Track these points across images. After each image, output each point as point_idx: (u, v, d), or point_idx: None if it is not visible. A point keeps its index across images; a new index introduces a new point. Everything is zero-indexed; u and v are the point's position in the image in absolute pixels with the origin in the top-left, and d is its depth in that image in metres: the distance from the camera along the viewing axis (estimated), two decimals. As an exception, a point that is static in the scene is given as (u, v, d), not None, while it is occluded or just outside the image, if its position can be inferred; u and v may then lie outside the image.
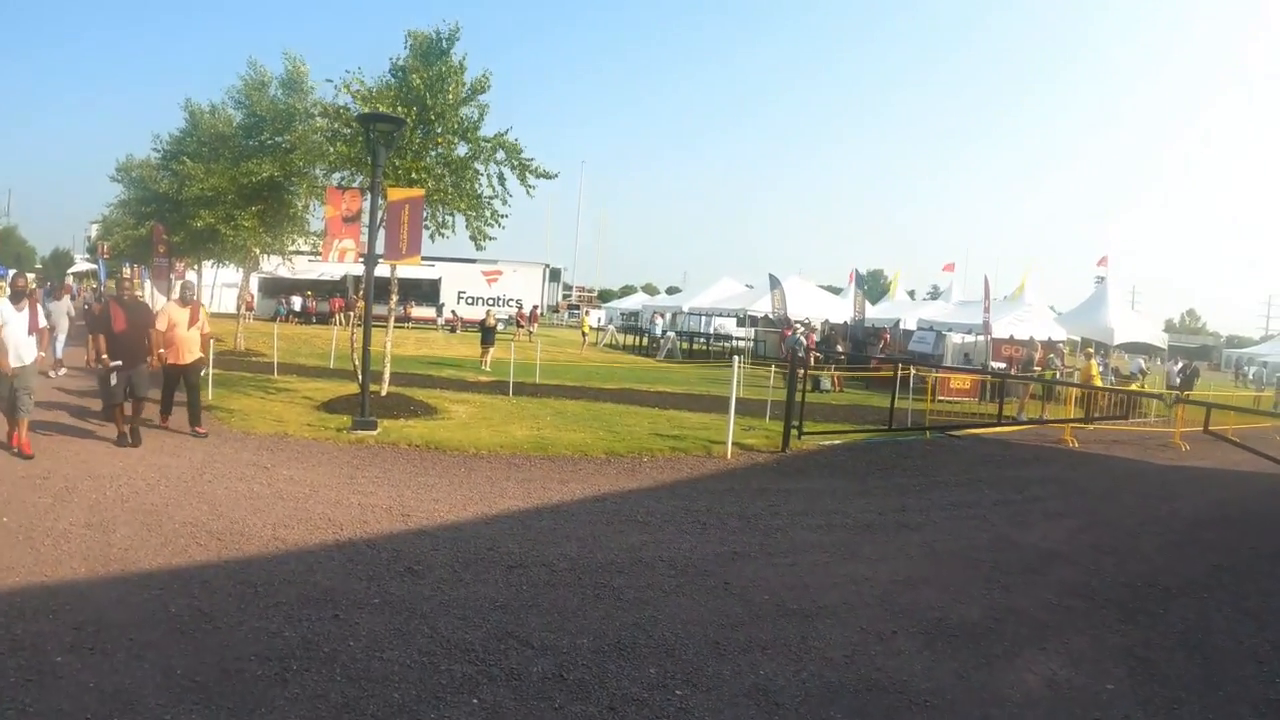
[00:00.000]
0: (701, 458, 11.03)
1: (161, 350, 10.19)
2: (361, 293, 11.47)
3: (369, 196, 11.95)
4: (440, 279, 43.50)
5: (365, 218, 12.56)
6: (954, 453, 13.16)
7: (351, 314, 37.74)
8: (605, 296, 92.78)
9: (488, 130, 13.56)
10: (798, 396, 12.46)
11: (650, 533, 7.32)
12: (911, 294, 67.06)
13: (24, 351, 8.76)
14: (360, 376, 11.56)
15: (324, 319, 40.15)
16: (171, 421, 10.73)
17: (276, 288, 41.08)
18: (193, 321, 10.62)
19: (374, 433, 10.86)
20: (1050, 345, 25.78)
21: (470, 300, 45.19)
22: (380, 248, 12.10)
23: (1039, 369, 22.41)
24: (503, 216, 13.93)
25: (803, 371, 21.48)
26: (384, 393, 13.27)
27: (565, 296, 77.89)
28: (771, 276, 33.41)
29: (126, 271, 41.35)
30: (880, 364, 23.69)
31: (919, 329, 29.61)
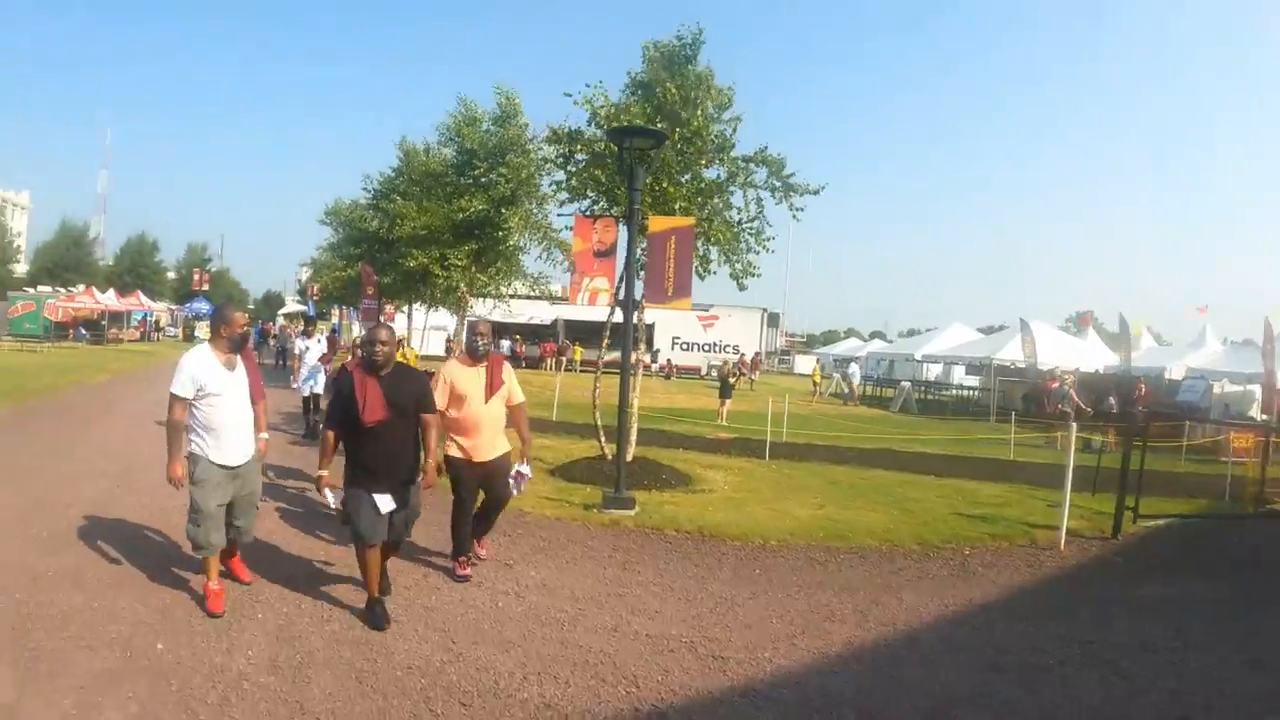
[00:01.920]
0: (1029, 549, 9.04)
1: (447, 453, 6.43)
2: (609, 340, 9.87)
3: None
4: (654, 324, 42.34)
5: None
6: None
7: (564, 359, 37.62)
8: (809, 342, 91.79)
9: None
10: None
11: (1062, 684, 5.19)
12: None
13: (246, 436, 5.64)
14: (613, 444, 9.94)
15: (533, 363, 39.77)
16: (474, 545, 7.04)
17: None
18: (492, 389, 6.52)
19: (631, 513, 8.89)
20: None
21: (685, 346, 43.85)
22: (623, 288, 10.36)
23: None
24: (767, 240, 12.15)
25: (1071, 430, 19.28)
26: (629, 457, 11.42)
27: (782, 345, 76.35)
28: (1021, 320, 31.13)
29: (335, 313, 42.67)
30: (1149, 419, 20.45)
31: (1188, 378, 26.25)
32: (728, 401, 21.40)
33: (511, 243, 19.77)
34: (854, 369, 36.77)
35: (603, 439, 11.77)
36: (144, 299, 55.81)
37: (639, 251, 10.67)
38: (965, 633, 6.10)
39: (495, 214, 18.50)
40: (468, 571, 6.54)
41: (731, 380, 22.57)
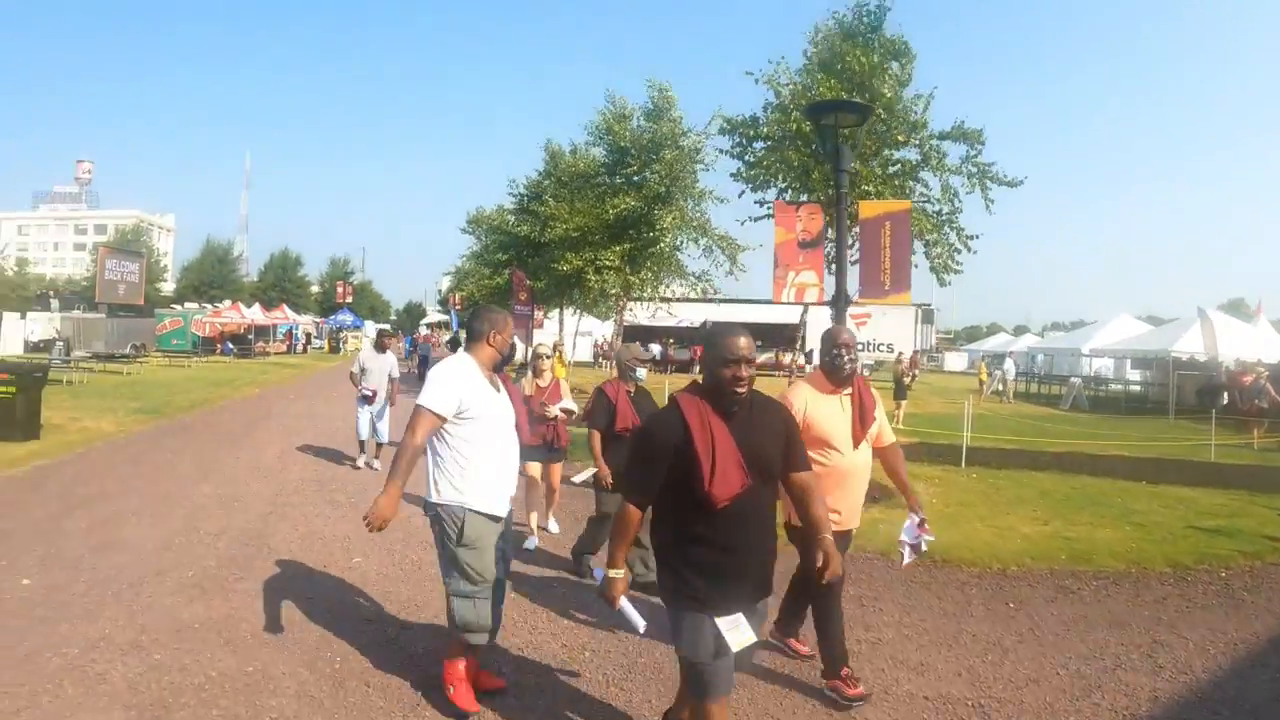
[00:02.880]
0: (1281, 567, 8.11)
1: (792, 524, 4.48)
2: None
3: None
4: (804, 323, 41.19)
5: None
6: None
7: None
8: (954, 338, 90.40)
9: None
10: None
11: None
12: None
13: (513, 477, 4.54)
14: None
15: (683, 367, 39.33)
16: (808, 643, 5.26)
17: (633, 335, 40.85)
18: (863, 423, 4.68)
19: (846, 534, 8.03)
20: None
21: (837, 346, 42.51)
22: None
23: None
24: (971, 238, 11.24)
25: (1261, 428, 18.35)
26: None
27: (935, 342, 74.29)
28: (1200, 310, 29.43)
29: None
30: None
31: None
32: (903, 403, 20.53)
33: (665, 242, 19.22)
34: (1009, 365, 35.17)
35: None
36: (289, 312, 58.20)
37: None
38: (1269, 677, 5.37)
39: (648, 212, 18.13)
40: (860, 691, 4.63)
41: (906, 380, 21.42)
